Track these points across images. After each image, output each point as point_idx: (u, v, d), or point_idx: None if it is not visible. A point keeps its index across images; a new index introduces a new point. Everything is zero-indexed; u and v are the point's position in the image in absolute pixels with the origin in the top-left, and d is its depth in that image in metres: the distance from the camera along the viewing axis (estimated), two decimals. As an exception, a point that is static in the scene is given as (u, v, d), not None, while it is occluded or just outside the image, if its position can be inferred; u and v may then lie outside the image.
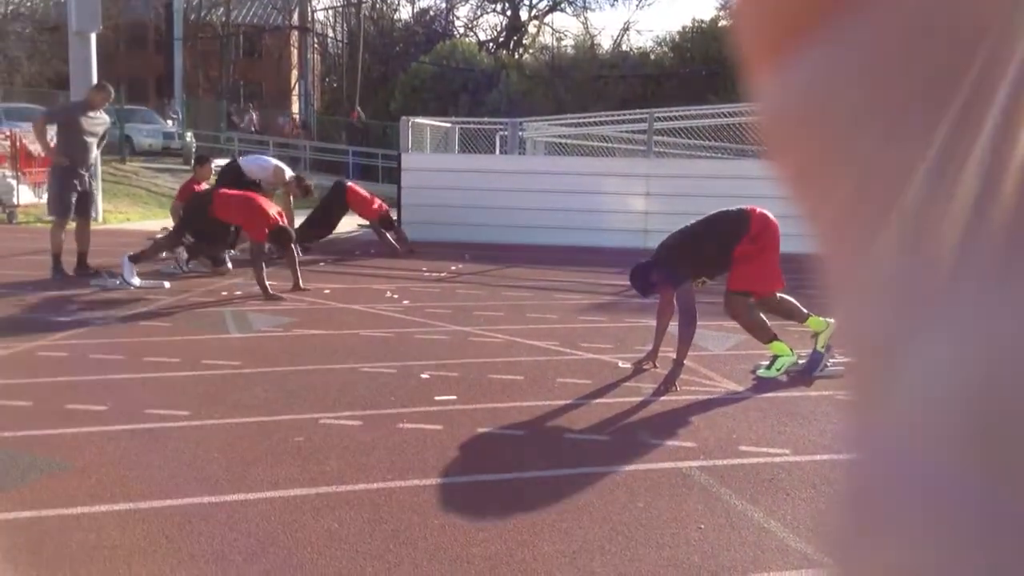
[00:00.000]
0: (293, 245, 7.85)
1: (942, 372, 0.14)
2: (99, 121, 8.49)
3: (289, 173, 10.16)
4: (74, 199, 8.27)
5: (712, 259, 5.14)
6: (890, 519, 0.15)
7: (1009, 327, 0.13)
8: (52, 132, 8.56)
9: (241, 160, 10.53)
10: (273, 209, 7.74)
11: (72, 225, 8.42)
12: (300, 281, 7.83)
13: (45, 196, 13.71)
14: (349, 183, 11.46)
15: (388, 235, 10.79)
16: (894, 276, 0.16)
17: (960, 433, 0.14)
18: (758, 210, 5.14)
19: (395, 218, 11.56)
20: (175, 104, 26.20)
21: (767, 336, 5.21)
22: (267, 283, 7.43)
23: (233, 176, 9.56)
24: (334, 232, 11.36)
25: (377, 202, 10.91)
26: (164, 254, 8.57)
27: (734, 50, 0.22)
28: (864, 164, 0.16)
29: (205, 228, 8.03)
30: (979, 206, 0.15)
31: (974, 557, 0.13)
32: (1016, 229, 0.14)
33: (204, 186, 9.36)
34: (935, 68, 0.15)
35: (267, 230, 7.49)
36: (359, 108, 29.00)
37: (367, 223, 11.28)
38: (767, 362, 5.29)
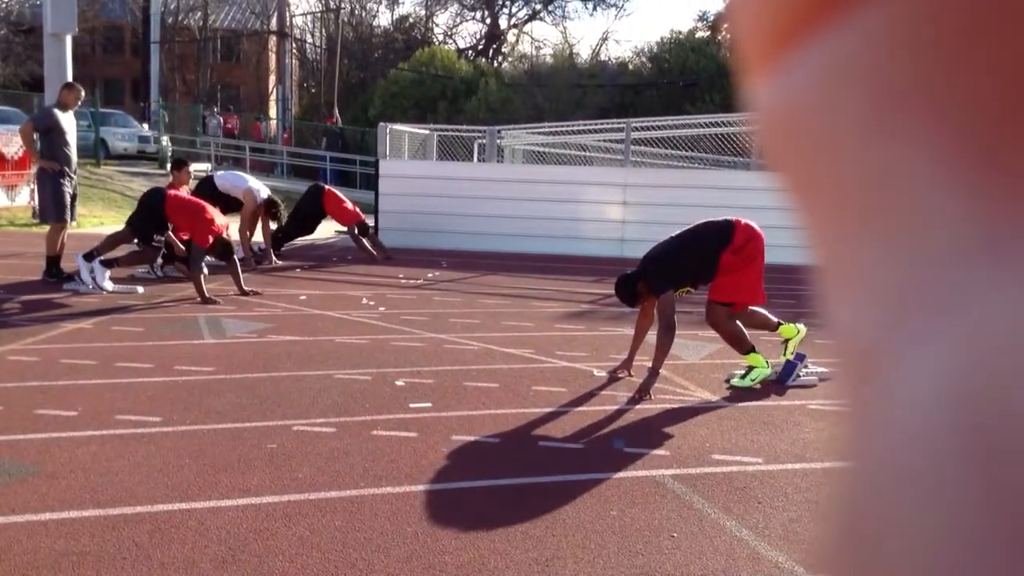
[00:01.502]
0: (234, 256, 7.89)
1: (938, 374, 0.14)
2: (72, 122, 8.44)
3: (262, 196, 9.91)
4: (68, 200, 8.23)
5: (696, 269, 5.16)
6: (886, 530, 0.14)
7: (1006, 326, 0.13)
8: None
9: (216, 176, 10.40)
10: (220, 219, 7.78)
11: (46, 228, 8.34)
12: (243, 286, 7.85)
13: (17, 199, 13.61)
14: (326, 187, 11.17)
15: (365, 241, 10.72)
16: (891, 277, 0.15)
17: (958, 437, 0.13)
18: (743, 221, 5.17)
19: (371, 224, 11.46)
20: (156, 107, 25.99)
21: (745, 347, 5.24)
22: (205, 287, 7.46)
23: (208, 193, 9.37)
24: (310, 237, 11.27)
25: (355, 208, 10.80)
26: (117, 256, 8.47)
27: (731, 49, 0.20)
28: (868, 165, 0.16)
29: (157, 230, 7.99)
30: (980, 202, 0.14)
31: (974, 564, 0.13)
32: (1013, 224, 0.14)
33: (183, 191, 9.22)
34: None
35: (211, 238, 7.50)
36: (337, 113, 28.97)
37: (344, 229, 11.19)
38: (741, 372, 5.31)
